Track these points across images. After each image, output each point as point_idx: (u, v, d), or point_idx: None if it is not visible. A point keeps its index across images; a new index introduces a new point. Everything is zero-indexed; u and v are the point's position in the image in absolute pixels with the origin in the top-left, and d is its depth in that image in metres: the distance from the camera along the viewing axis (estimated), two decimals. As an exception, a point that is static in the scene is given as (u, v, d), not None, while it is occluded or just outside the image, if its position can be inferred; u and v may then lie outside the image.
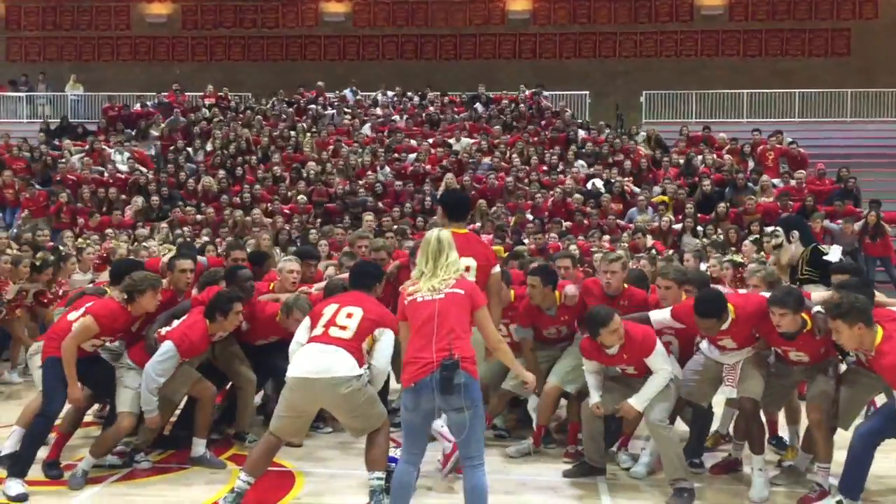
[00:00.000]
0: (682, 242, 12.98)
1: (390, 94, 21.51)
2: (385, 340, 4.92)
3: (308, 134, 18.47)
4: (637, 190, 15.37)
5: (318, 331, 4.90)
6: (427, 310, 4.31)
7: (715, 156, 16.57)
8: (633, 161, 16.59)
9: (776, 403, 5.76)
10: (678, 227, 13.71)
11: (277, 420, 4.95)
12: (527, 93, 20.91)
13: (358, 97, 21.42)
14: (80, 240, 11.96)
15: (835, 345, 5.45)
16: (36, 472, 5.48)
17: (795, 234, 6.73)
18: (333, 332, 4.84)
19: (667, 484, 5.32)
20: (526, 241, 12.39)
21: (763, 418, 5.67)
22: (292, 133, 18.59)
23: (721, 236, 12.57)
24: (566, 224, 13.77)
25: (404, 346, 4.49)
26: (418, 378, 4.21)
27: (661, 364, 5.38)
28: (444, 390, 4.13)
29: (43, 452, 5.62)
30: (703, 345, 5.78)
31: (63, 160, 17.29)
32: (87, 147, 18.20)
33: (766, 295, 5.36)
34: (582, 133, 18.46)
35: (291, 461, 5.90)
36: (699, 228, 13.56)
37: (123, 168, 17.22)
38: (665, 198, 14.72)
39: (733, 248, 10.56)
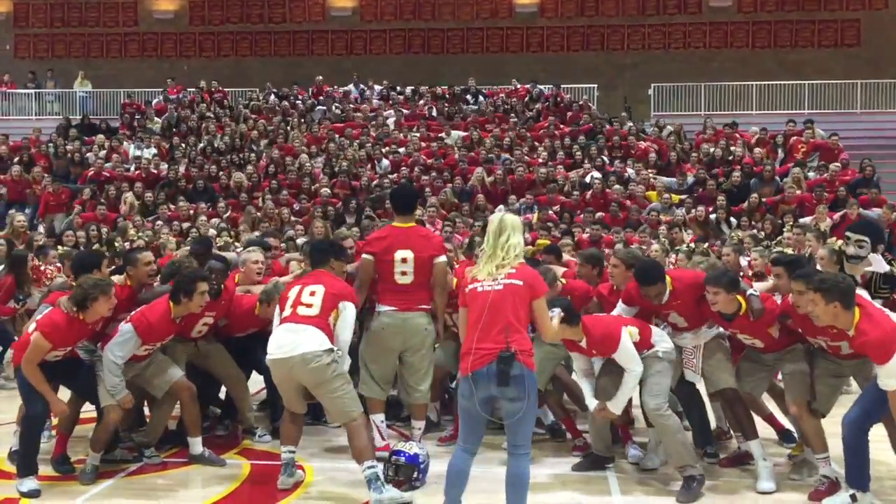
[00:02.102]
0: (722, 233, 12.95)
1: (379, 88, 21.35)
2: (347, 315, 5.22)
3: (298, 129, 18.32)
4: (665, 180, 15.24)
5: (287, 312, 5.22)
6: (485, 301, 4.34)
7: (751, 148, 16.45)
8: (642, 153, 16.49)
9: (756, 390, 5.65)
10: (713, 217, 13.63)
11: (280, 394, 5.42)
12: (519, 87, 20.72)
13: (360, 89, 21.34)
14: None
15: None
16: (47, 468, 5.53)
17: (881, 248, 6.54)
18: (301, 310, 5.16)
19: (675, 472, 5.33)
20: (558, 234, 12.07)
21: (753, 412, 5.66)
22: (289, 129, 18.47)
23: (760, 231, 12.47)
24: (598, 214, 13.66)
25: (462, 332, 4.49)
26: (475, 368, 4.27)
27: (629, 362, 5.26)
28: (500, 382, 4.21)
29: (51, 450, 5.66)
30: (668, 332, 5.75)
31: (99, 156, 17.14)
32: (111, 143, 18.10)
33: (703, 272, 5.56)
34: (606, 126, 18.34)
35: (299, 455, 5.88)
36: (732, 220, 13.53)
37: (144, 163, 17.07)
38: (678, 197, 14.62)
39: (767, 241, 10.48)
